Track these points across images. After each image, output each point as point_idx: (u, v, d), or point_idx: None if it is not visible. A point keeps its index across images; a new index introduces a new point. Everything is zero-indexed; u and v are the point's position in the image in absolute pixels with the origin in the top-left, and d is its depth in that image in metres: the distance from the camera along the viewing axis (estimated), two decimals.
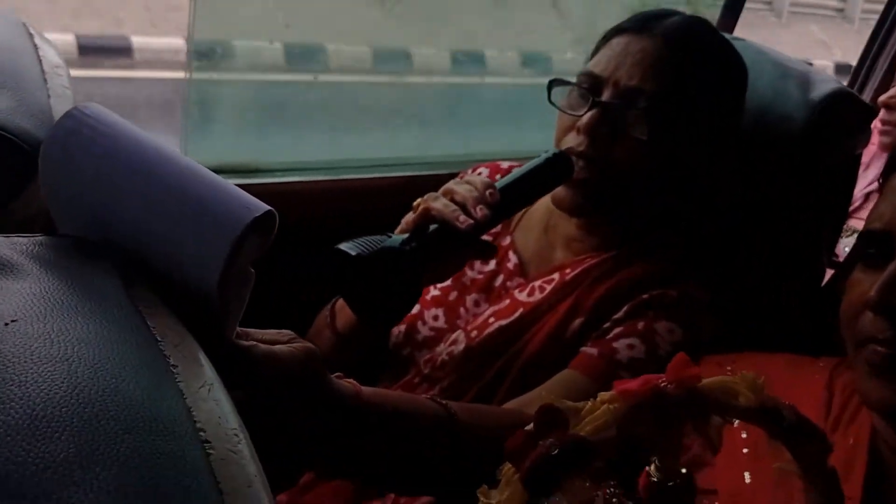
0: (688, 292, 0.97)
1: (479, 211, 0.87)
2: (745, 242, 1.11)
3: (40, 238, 0.48)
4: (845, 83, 1.53)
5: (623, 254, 1.01)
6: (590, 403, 0.54)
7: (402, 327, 1.07)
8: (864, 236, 0.70)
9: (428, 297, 1.08)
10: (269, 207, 0.48)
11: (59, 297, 0.41)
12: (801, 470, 0.55)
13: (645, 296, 0.96)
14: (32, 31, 0.81)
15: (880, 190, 0.74)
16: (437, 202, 0.88)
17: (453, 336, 1.03)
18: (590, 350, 0.93)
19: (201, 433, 0.36)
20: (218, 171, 1.20)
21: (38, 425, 0.32)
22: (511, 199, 0.93)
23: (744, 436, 0.82)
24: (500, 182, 0.94)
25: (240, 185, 1.17)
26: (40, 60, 0.74)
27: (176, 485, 0.32)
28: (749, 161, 1.10)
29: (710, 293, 0.98)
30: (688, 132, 0.98)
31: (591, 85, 0.98)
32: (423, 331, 1.06)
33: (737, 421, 0.59)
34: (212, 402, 0.39)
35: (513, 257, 1.08)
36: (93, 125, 0.50)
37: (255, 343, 0.58)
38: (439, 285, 1.08)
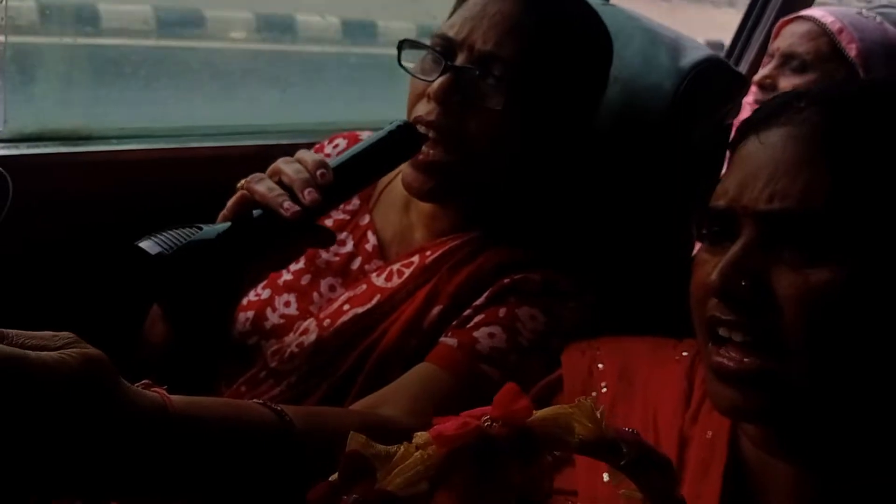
0: (551, 276, 0.91)
1: (308, 195, 0.77)
2: (610, 219, 1.06)
3: None
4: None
5: (484, 236, 0.95)
6: (402, 448, 0.46)
7: (251, 315, 0.97)
8: (708, 214, 0.65)
9: (280, 282, 0.99)
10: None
11: None
12: (648, 499, 0.49)
13: (506, 280, 0.90)
14: None
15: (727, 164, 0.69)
16: (260, 184, 0.79)
17: (304, 324, 0.94)
18: (449, 341, 0.86)
19: None
20: (41, 138, 1.09)
21: None
22: (350, 177, 0.84)
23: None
24: (337, 159, 0.85)
25: (67, 154, 1.08)
26: None
27: None
28: (616, 132, 1.05)
29: (574, 276, 0.93)
30: (546, 103, 0.92)
31: (444, 48, 0.90)
32: (273, 318, 0.97)
33: None
34: None
35: (371, 238, 1.00)
36: None
37: None
38: (292, 268, 0.98)
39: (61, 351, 0.49)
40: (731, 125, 1.08)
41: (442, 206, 0.96)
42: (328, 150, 1.08)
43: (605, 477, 0.75)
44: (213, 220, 0.82)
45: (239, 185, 0.81)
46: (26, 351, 0.47)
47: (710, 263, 0.64)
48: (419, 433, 0.47)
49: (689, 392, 0.73)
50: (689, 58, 1.02)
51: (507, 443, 0.47)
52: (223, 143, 1.22)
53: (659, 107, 1.01)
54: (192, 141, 1.20)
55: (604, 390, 0.78)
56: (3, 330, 0.48)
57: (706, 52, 1.04)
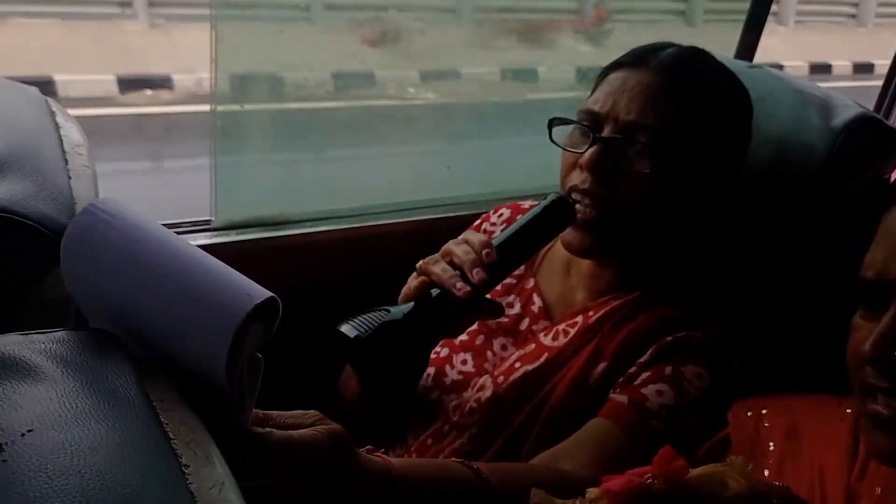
0: (712, 333, 0.95)
1: (476, 275, 0.86)
2: (769, 276, 1.09)
3: (59, 334, 0.49)
4: (871, 106, 1.50)
5: (643, 295, 1.01)
6: (577, 502, 0.54)
7: (431, 371, 1.07)
8: (860, 283, 0.68)
9: (456, 342, 1.08)
10: (270, 294, 0.49)
11: (74, 402, 0.42)
12: None
13: (669, 338, 0.95)
14: (55, 109, 0.84)
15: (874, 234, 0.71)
16: (436, 266, 0.89)
17: (480, 381, 1.03)
18: (619, 398, 0.92)
19: None
20: (247, 225, 1.25)
21: None
22: (512, 252, 0.93)
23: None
24: (500, 237, 0.94)
25: (268, 238, 1.23)
26: (61, 140, 0.76)
27: None
28: (770, 191, 1.08)
29: (734, 332, 0.97)
30: (691, 163, 0.97)
31: (591, 122, 0.98)
32: (452, 375, 1.06)
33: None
34: (223, 502, 0.40)
35: (537, 300, 1.08)
36: (107, 220, 0.51)
37: (270, 430, 0.58)
38: (468, 330, 1.08)
39: (312, 428, 0.61)
40: (888, 178, 1.09)
41: (601, 267, 1.03)
42: (493, 219, 1.17)
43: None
44: (392, 289, 0.94)
45: (417, 265, 0.92)
46: (290, 432, 0.59)
47: (864, 329, 0.66)
48: (591, 489, 0.54)
49: (854, 449, 0.75)
50: (841, 117, 1.05)
51: (668, 498, 0.53)
52: (396, 220, 1.35)
53: (813, 166, 1.04)
54: (370, 220, 1.34)
55: (771, 448, 0.82)
56: (267, 412, 0.60)
57: (857, 109, 1.06)
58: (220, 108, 1.21)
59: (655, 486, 0.53)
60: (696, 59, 1.02)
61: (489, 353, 1.07)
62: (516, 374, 1.00)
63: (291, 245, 1.26)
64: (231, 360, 0.48)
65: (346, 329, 0.81)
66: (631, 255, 1.02)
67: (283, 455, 0.57)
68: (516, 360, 1.02)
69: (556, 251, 1.10)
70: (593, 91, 1.03)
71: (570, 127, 1.01)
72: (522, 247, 0.95)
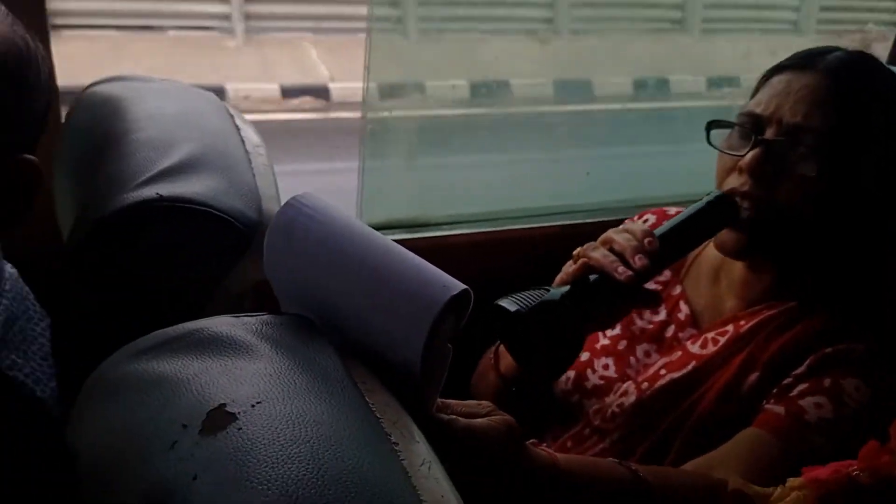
0: (875, 346, 0.92)
1: (639, 261, 0.86)
2: None
3: (265, 317, 0.53)
4: None
5: (799, 306, 0.98)
6: (779, 490, 0.53)
7: (572, 374, 1.07)
8: None
9: (598, 346, 1.08)
10: (464, 286, 0.51)
11: (292, 378, 0.46)
12: None
13: (829, 349, 0.92)
14: (233, 113, 0.89)
15: None
16: (595, 252, 0.89)
17: (623, 387, 1.03)
18: (776, 408, 0.90)
19: None
20: (388, 227, 1.30)
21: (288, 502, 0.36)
22: (672, 245, 0.92)
23: None
24: (661, 228, 0.93)
25: (408, 240, 1.28)
26: (243, 141, 0.81)
27: None
28: None
29: (894, 343, 0.93)
30: (858, 168, 0.94)
31: (752, 124, 0.96)
32: (593, 379, 1.06)
33: None
34: (433, 480, 0.42)
35: (684, 307, 1.07)
36: (309, 213, 0.55)
37: (454, 417, 0.60)
38: (609, 333, 1.08)
39: (488, 418, 0.63)
40: None
41: (754, 273, 1.01)
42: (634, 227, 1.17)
43: None
44: None
45: (575, 252, 0.92)
46: (471, 420, 0.61)
47: None
48: (792, 479, 0.53)
49: None
50: None
51: (874, 490, 0.52)
52: (534, 225, 1.37)
53: None
54: (507, 224, 1.36)
55: None
56: (445, 401, 0.62)
57: None
58: (369, 114, 1.26)
59: (862, 478, 0.52)
60: (864, 63, 0.99)
61: (632, 359, 1.06)
62: (662, 381, 0.99)
63: (428, 247, 1.29)
64: (427, 350, 0.50)
65: (506, 303, 0.83)
66: (788, 260, 1.00)
67: (465, 442, 0.59)
68: (662, 367, 1.01)
69: (705, 257, 1.08)
70: (754, 94, 1.01)
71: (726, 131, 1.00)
72: (683, 240, 0.94)
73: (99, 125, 0.83)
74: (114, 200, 0.69)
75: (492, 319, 0.84)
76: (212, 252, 0.69)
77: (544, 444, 1.05)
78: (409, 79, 1.36)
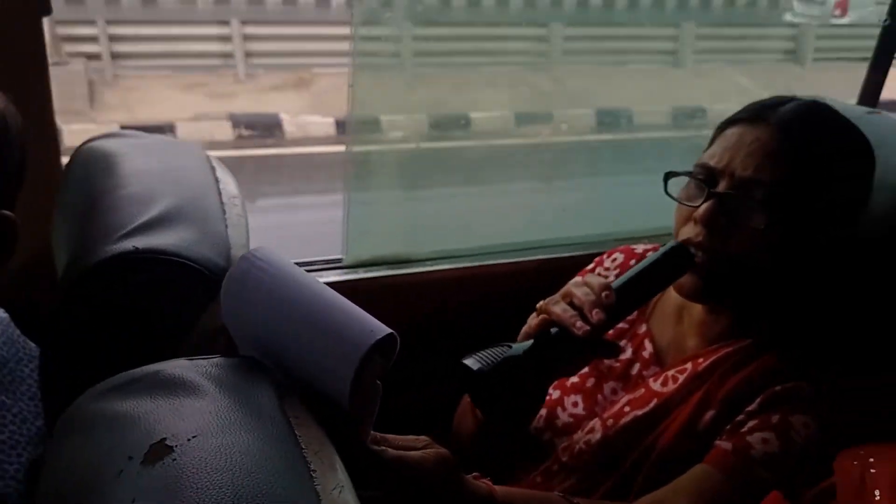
0: (822, 384, 0.96)
1: (595, 315, 0.90)
2: (882, 327, 1.08)
3: (217, 360, 0.60)
4: None
5: (754, 344, 1.02)
6: None
7: (544, 412, 1.12)
8: None
9: (568, 384, 1.13)
10: (389, 331, 0.57)
11: (229, 415, 0.52)
12: None
13: (778, 388, 0.96)
14: (214, 164, 0.97)
15: None
16: (556, 307, 0.93)
17: (591, 424, 1.07)
18: (724, 444, 0.94)
19: None
20: (374, 263, 1.37)
21: None
22: (630, 296, 0.96)
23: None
24: (619, 280, 0.97)
25: (392, 276, 1.34)
26: (220, 193, 0.89)
27: None
28: (888, 240, 1.08)
29: (843, 383, 0.97)
30: (806, 218, 0.97)
31: (706, 176, 1.00)
32: (563, 417, 1.11)
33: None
34: (342, 501, 0.48)
35: (648, 346, 1.11)
36: (262, 266, 0.62)
37: (385, 448, 0.66)
38: (580, 373, 1.12)
39: (423, 451, 0.69)
40: None
41: (713, 314, 1.06)
42: (607, 263, 1.22)
43: None
44: (507, 325, 0.99)
45: (539, 305, 0.97)
46: (402, 452, 0.67)
47: None
48: None
49: None
50: None
51: None
52: (511, 260, 1.43)
53: None
54: (490, 258, 1.43)
55: (877, 497, 0.82)
56: (384, 434, 0.68)
57: None
58: (354, 148, 1.34)
59: None
60: (816, 114, 1.02)
61: (599, 397, 1.10)
62: (626, 419, 1.04)
63: (412, 283, 1.36)
64: (354, 387, 0.57)
65: (470, 362, 0.87)
66: (743, 304, 1.04)
67: (395, 471, 0.65)
68: (626, 405, 1.05)
69: (669, 298, 1.13)
70: (710, 145, 1.05)
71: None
72: (640, 291, 0.98)
73: (92, 179, 0.91)
74: (98, 252, 0.76)
75: (458, 376, 0.89)
76: (183, 297, 0.76)
77: (518, 480, 1.10)
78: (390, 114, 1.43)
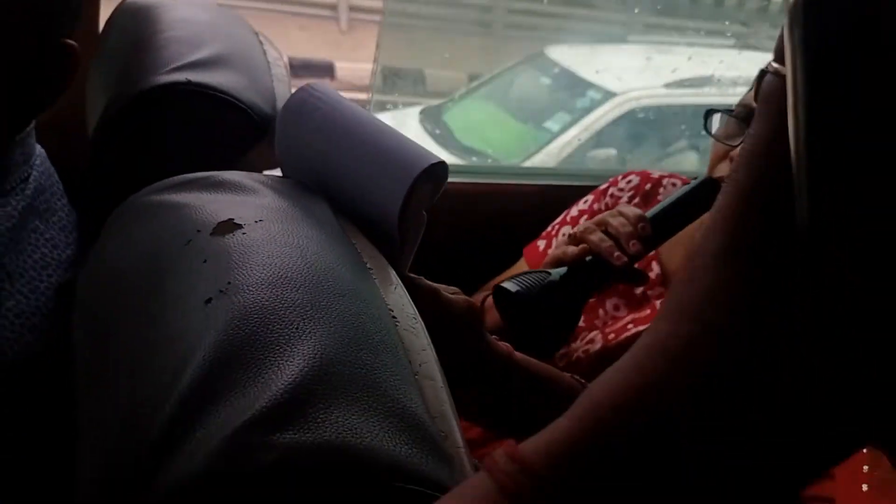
0: None
1: (633, 246, 0.93)
2: None
3: (270, 176, 0.62)
4: None
5: None
6: None
7: (563, 351, 1.14)
8: None
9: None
10: (440, 158, 0.59)
11: (289, 211, 0.54)
12: None
13: None
14: (256, 31, 0.98)
15: None
16: (593, 235, 0.95)
17: (590, 335, 1.10)
18: None
19: (391, 311, 0.48)
20: None
21: (280, 281, 0.45)
22: (663, 227, 0.98)
23: (865, 451, 0.86)
24: (651, 211, 0.99)
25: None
26: (265, 52, 0.90)
27: (375, 335, 0.44)
28: None
29: None
30: None
31: (747, 115, 1.01)
32: None
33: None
34: (398, 295, 0.51)
35: (656, 267, 1.14)
36: (318, 97, 0.64)
37: (421, 278, 0.69)
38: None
39: (454, 295, 0.71)
40: None
41: None
42: (622, 184, 1.24)
43: (865, 487, 0.83)
44: (515, 241, 1.01)
45: (572, 233, 0.99)
46: (437, 286, 0.69)
47: None
48: None
49: None
50: None
51: None
52: (520, 182, 1.45)
53: None
54: (496, 178, 1.45)
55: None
56: (419, 277, 0.71)
57: None
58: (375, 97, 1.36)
59: None
60: None
61: (601, 311, 1.13)
62: (629, 334, 1.06)
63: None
64: (403, 209, 0.59)
65: (509, 285, 0.90)
66: None
67: (428, 302, 0.68)
68: (630, 322, 1.08)
69: None
70: (752, 87, 1.05)
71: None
72: (672, 223, 0.99)
73: (133, 30, 0.92)
74: (145, 82, 0.77)
75: (495, 300, 0.91)
76: (229, 136, 0.78)
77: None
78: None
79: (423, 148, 0.60)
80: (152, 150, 0.79)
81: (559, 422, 0.29)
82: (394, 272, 0.54)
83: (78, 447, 0.49)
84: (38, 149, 0.83)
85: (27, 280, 0.72)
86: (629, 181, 1.24)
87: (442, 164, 0.59)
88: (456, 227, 1.37)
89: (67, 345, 0.69)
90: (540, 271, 0.93)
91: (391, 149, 0.60)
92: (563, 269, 0.95)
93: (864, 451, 0.85)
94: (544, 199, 1.24)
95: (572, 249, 0.97)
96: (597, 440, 0.29)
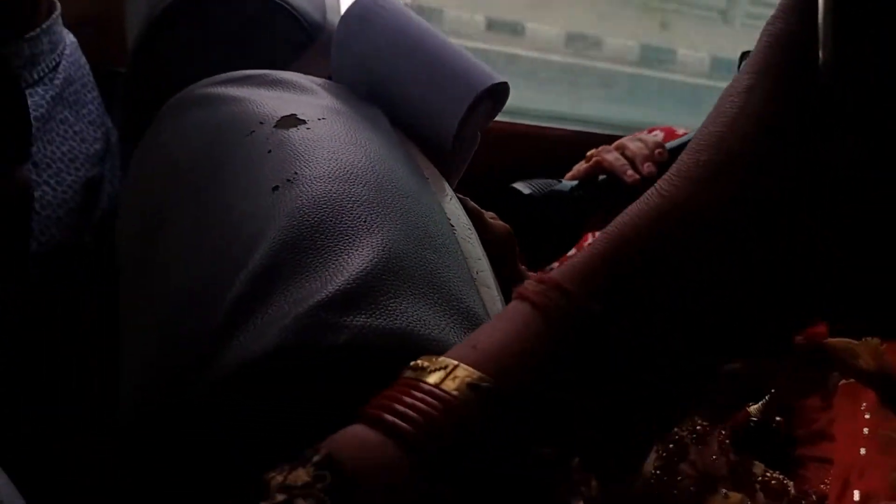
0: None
1: (647, 168, 0.94)
2: None
3: (325, 80, 0.61)
4: None
5: None
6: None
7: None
8: None
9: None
10: (503, 78, 0.59)
11: (349, 113, 0.54)
12: None
13: None
14: None
15: None
16: (609, 154, 0.96)
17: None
18: None
19: (450, 219, 0.48)
20: None
21: (346, 176, 0.44)
22: None
23: (867, 417, 0.87)
24: (671, 143, 0.99)
25: None
26: None
27: (438, 237, 0.44)
28: None
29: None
30: None
31: None
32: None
33: (864, 405, 0.65)
34: (454, 206, 0.51)
35: None
36: (382, 5, 0.63)
37: (467, 199, 0.69)
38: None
39: (494, 220, 0.72)
40: None
41: None
42: (647, 137, 1.24)
43: (863, 451, 0.84)
44: None
45: (589, 153, 1.00)
46: (480, 209, 0.70)
47: None
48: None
49: None
50: None
51: (805, 352, 0.61)
52: (552, 125, 1.44)
53: None
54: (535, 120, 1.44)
55: (864, 411, 0.87)
56: (465, 197, 0.70)
57: None
58: None
59: (799, 340, 0.61)
60: None
61: None
62: None
63: None
64: (461, 126, 0.58)
65: (521, 186, 0.91)
66: None
67: (474, 220, 0.68)
68: None
69: None
70: None
71: None
72: None
73: None
74: None
75: (505, 199, 0.92)
76: (277, 42, 0.77)
77: None
78: None
79: (486, 66, 0.59)
80: (197, 51, 0.78)
81: (586, 249, 0.31)
82: (447, 183, 0.54)
83: (123, 339, 0.49)
84: (70, 38, 0.81)
85: (54, 171, 0.72)
86: (655, 135, 1.24)
87: (504, 84, 0.59)
88: (490, 165, 1.36)
89: (95, 243, 0.69)
90: (552, 179, 0.94)
91: (454, 64, 0.59)
92: (574, 182, 0.96)
93: (866, 414, 0.86)
94: (577, 146, 1.24)
95: (585, 165, 0.98)
96: (620, 258, 0.30)
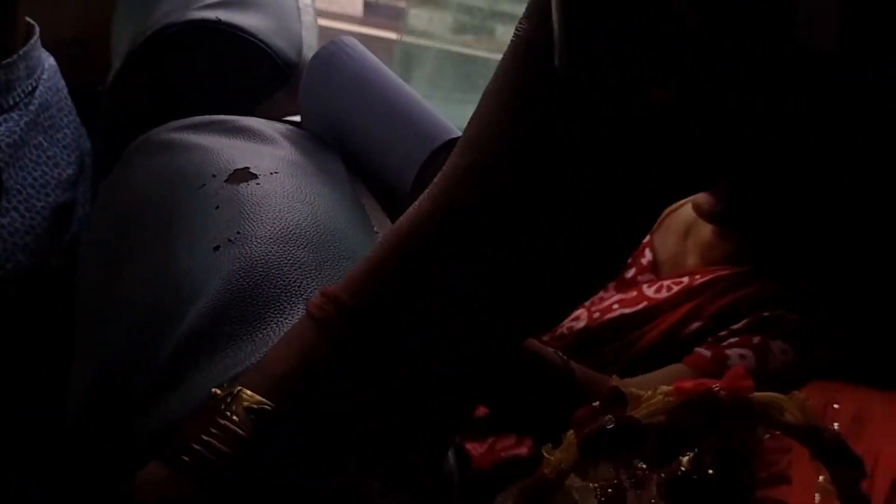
0: (809, 318, 1.01)
1: None
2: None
3: (290, 126, 0.63)
4: None
5: (753, 271, 1.06)
6: (649, 392, 0.62)
7: None
8: None
9: None
10: (460, 134, 0.60)
11: (305, 165, 0.55)
12: (838, 491, 0.60)
13: (766, 313, 1.00)
14: None
15: None
16: None
17: (577, 312, 1.12)
18: (703, 351, 0.99)
19: None
20: None
21: (288, 237, 0.46)
22: None
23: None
24: None
25: None
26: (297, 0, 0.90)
27: None
28: None
29: (832, 320, 1.02)
30: None
31: None
32: None
33: None
34: None
35: (648, 254, 1.15)
36: (348, 53, 0.64)
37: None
38: None
39: None
40: None
41: (720, 237, 1.09)
42: None
43: (817, 498, 0.85)
44: None
45: None
46: None
47: None
48: (664, 386, 0.63)
49: None
50: None
51: (729, 407, 0.61)
52: None
53: None
54: None
55: (835, 427, 0.88)
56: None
57: None
58: None
59: (721, 395, 0.61)
60: None
61: None
62: (613, 314, 1.08)
63: None
64: (418, 178, 0.59)
65: None
66: (754, 233, 1.08)
67: None
68: (615, 302, 1.10)
69: (679, 214, 1.16)
70: None
71: None
72: None
73: None
74: (175, 16, 0.77)
75: None
76: (251, 81, 0.78)
77: None
78: None
79: (446, 120, 0.60)
80: (174, 84, 0.79)
81: (362, 259, 0.34)
82: None
83: (74, 364, 0.50)
84: (49, 61, 0.82)
85: (24, 198, 0.73)
86: None
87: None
88: None
89: (63, 266, 0.70)
90: None
91: (415, 115, 0.61)
92: None
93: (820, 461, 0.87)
94: None
95: None
96: (389, 267, 0.32)
